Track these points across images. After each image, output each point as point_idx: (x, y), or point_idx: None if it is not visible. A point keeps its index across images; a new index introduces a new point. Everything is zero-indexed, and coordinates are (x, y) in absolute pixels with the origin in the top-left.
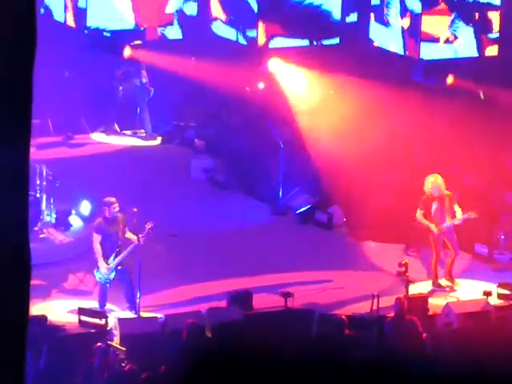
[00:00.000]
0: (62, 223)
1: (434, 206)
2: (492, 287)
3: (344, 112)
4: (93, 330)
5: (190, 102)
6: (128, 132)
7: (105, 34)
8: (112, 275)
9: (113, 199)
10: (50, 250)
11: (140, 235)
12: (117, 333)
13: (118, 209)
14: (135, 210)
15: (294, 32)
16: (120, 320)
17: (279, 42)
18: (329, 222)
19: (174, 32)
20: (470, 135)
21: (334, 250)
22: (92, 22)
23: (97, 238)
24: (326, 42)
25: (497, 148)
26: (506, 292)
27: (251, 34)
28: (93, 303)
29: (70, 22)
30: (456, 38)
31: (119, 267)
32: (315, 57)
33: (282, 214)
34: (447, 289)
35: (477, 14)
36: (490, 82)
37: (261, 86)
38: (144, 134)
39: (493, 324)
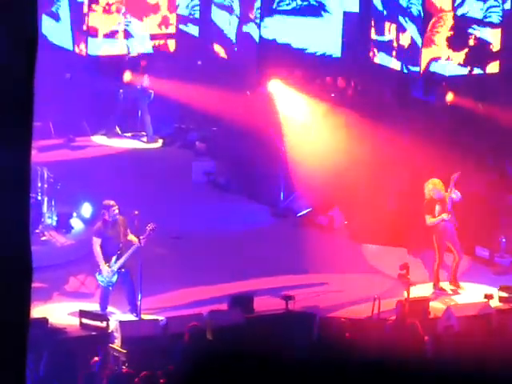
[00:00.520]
0: (64, 226)
1: (437, 208)
2: (493, 290)
3: (345, 118)
4: (94, 333)
5: (191, 104)
6: (129, 134)
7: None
8: (114, 278)
9: (112, 202)
10: (51, 253)
11: (141, 237)
12: (118, 335)
13: (117, 211)
14: (136, 212)
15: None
16: (121, 322)
17: None
18: (330, 224)
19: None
20: (470, 141)
21: (334, 252)
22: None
23: (96, 242)
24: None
25: (498, 153)
26: (507, 295)
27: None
28: (94, 306)
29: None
30: (456, 53)
31: (122, 270)
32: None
33: (283, 216)
34: (450, 292)
35: (477, 32)
36: (490, 98)
37: (262, 90)
38: (145, 137)
39: (494, 327)
